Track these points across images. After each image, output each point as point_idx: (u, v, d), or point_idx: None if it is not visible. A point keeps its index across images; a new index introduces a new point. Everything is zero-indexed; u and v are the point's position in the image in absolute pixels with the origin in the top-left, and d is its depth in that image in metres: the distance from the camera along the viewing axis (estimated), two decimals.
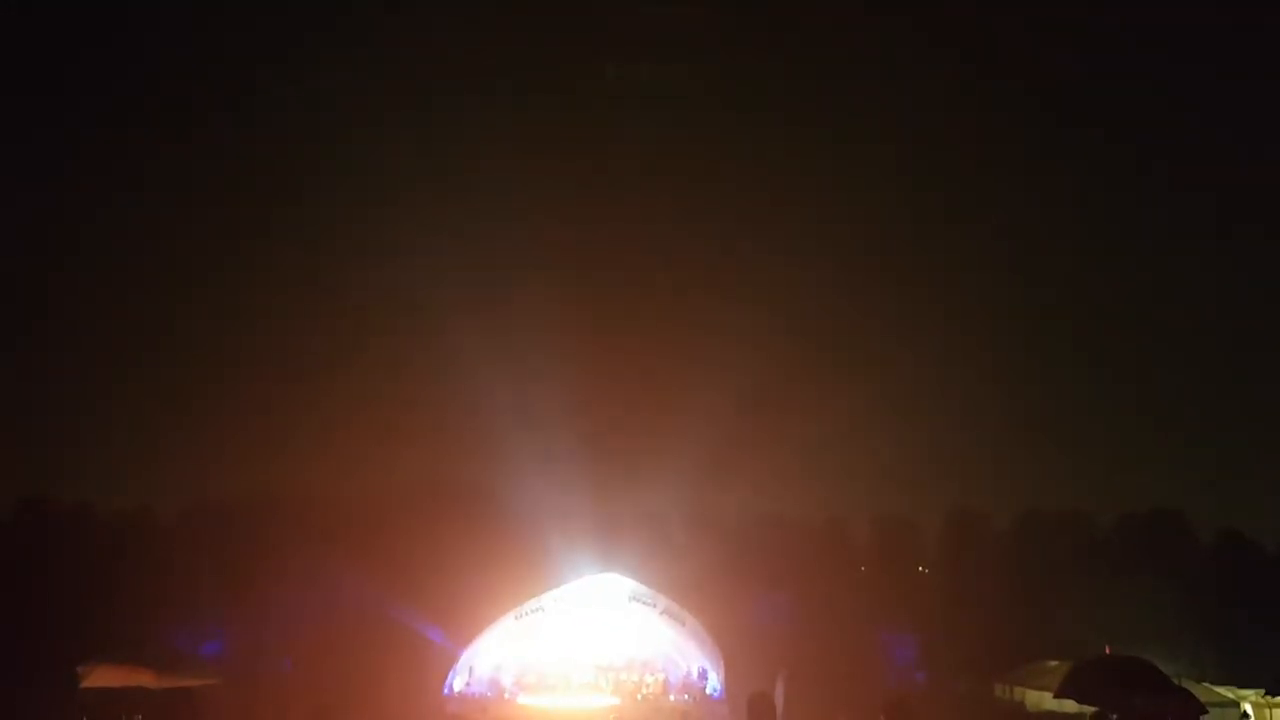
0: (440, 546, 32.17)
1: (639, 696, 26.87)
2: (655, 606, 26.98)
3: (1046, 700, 26.95)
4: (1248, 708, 27.88)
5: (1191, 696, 23.59)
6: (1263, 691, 27.93)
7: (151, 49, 70.33)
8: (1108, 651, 28.04)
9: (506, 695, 26.68)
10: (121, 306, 67.31)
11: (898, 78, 71.44)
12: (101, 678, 22.16)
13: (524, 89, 71.64)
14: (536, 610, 26.76)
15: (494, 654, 27.30)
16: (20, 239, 66.45)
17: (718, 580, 30.51)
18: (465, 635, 27.02)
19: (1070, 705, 25.58)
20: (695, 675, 27.32)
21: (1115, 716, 21.84)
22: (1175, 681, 24.36)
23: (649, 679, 27.42)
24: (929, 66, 73.70)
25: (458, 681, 26.44)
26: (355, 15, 71.41)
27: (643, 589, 27.18)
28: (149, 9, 68.31)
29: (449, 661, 26.74)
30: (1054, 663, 27.72)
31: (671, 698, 26.80)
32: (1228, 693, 27.69)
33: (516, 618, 26.69)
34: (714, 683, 26.78)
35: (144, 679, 22.07)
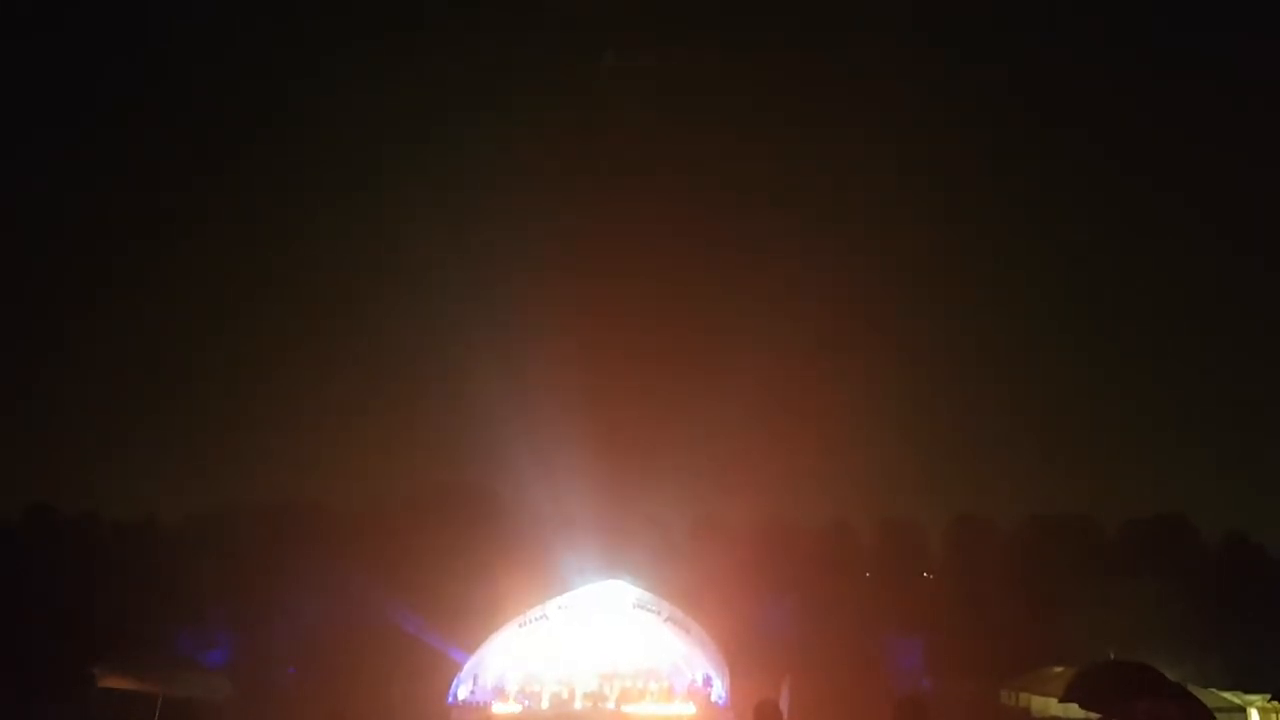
0: (445, 553, 32.22)
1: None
2: (660, 613, 26.91)
3: (1052, 706, 26.91)
4: (1254, 713, 27.78)
5: (1197, 702, 23.50)
6: (1269, 696, 27.83)
7: (163, 55, 70.48)
8: (1112, 657, 27.96)
9: (512, 703, 26.61)
10: (126, 316, 67.48)
11: (901, 77, 71.46)
12: (108, 681, 22.22)
13: (525, 91, 71.75)
14: (541, 618, 26.70)
15: (498, 662, 27.26)
16: (25, 247, 66.64)
17: (723, 586, 30.50)
18: (470, 643, 26.99)
19: (1075, 711, 25.52)
20: (700, 682, 27.25)
21: None
22: (1181, 687, 24.29)
23: (654, 686, 27.36)
24: (931, 65, 73.76)
25: (462, 690, 26.39)
26: (357, 17, 71.51)
27: (647, 596, 27.12)
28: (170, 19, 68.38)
29: (453, 669, 26.70)
30: (1059, 668, 27.67)
31: (677, 705, 26.73)
32: (1234, 698, 27.60)
33: (521, 625, 26.64)
34: (719, 690, 26.70)
35: (149, 684, 22.11)
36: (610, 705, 26.71)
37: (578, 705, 26.74)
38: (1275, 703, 27.71)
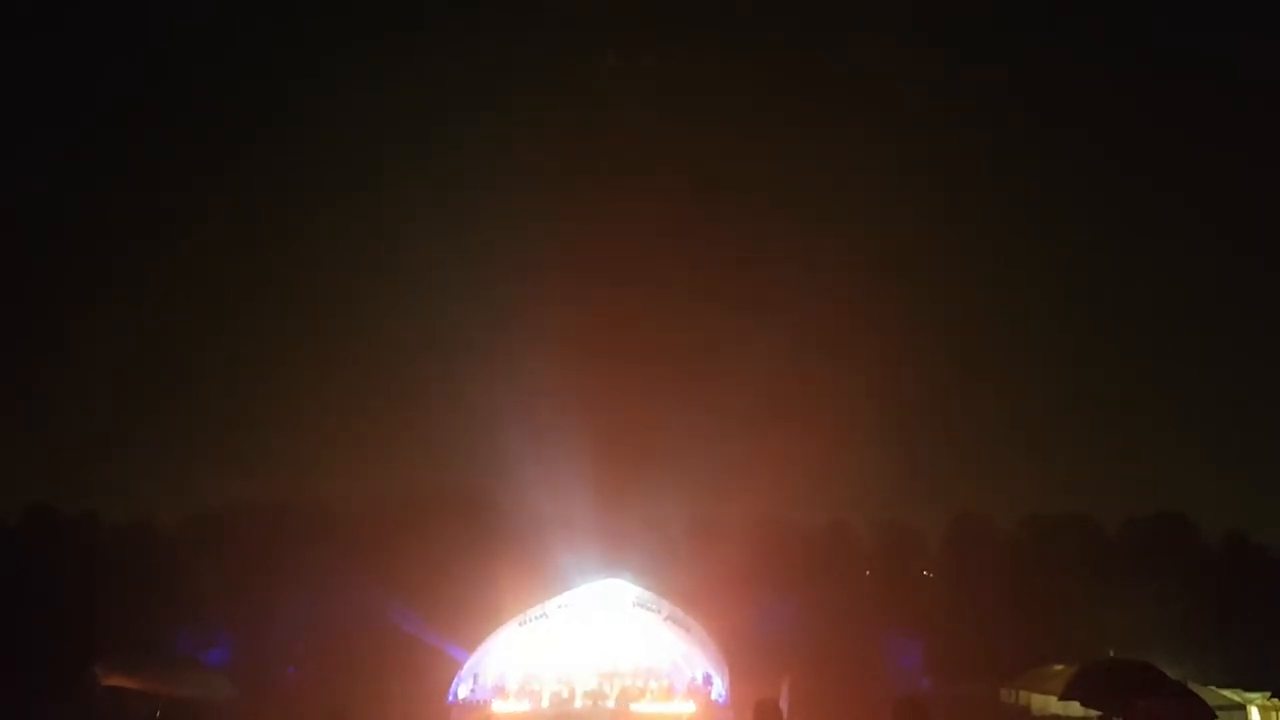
0: (445, 553, 32.20)
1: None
2: (660, 612, 26.92)
3: (1052, 704, 26.93)
4: (1254, 711, 27.80)
5: (1197, 699, 23.54)
6: (1268, 694, 27.86)
7: (163, 55, 70.49)
8: (1112, 655, 27.99)
9: (512, 702, 26.64)
10: (126, 316, 67.47)
11: (901, 77, 71.47)
12: (110, 680, 22.26)
13: (525, 91, 71.78)
14: (541, 616, 26.71)
15: (499, 660, 27.28)
16: (25, 247, 66.65)
17: (722, 585, 30.48)
18: (470, 641, 27.01)
19: (1075, 709, 25.56)
20: (700, 681, 27.27)
21: None
22: (1181, 685, 24.32)
23: (653, 685, 27.38)
24: (931, 65, 73.75)
25: (462, 688, 26.41)
26: (356, 14, 71.52)
27: (647, 595, 27.12)
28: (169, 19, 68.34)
29: (453, 668, 26.73)
30: (1059, 667, 27.68)
31: (677, 704, 26.74)
32: (1234, 696, 27.62)
33: (521, 624, 26.66)
34: (719, 688, 26.72)
35: (151, 683, 22.15)
36: (610, 704, 26.74)
37: (578, 704, 26.76)
38: (1275, 700, 27.74)
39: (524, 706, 26.45)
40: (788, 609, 32.90)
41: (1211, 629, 32.10)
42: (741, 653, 27.26)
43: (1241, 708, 27.47)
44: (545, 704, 26.68)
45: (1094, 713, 24.23)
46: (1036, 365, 69.61)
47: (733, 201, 71.19)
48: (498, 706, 26.15)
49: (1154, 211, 74.25)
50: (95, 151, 71.77)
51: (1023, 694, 30.10)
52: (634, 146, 70.67)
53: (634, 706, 26.50)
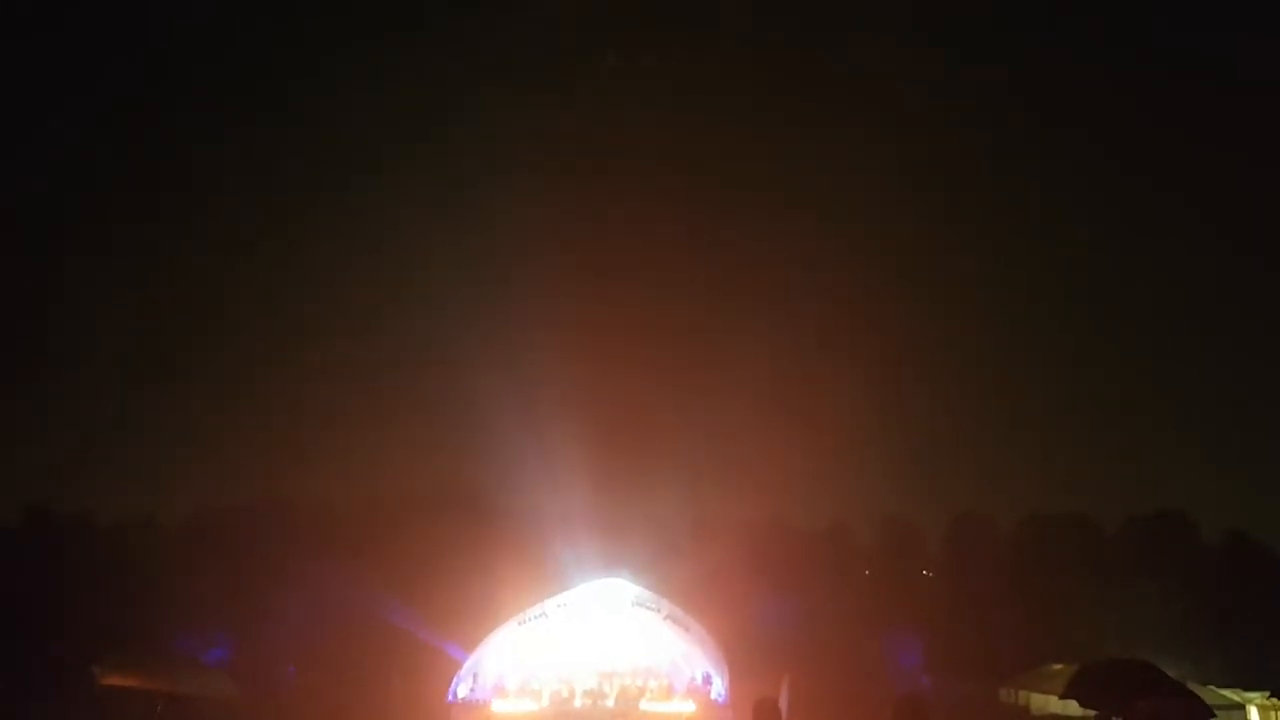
0: (444, 552, 32.21)
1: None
2: (659, 611, 26.93)
3: (1051, 703, 26.93)
4: (1253, 711, 27.81)
5: (1197, 699, 23.54)
6: (1268, 694, 27.87)
7: (163, 55, 70.52)
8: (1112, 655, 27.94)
9: (512, 701, 26.64)
10: (124, 316, 67.54)
11: (901, 77, 71.52)
12: (109, 680, 22.25)
13: (524, 83, 71.80)
14: (540, 616, 26.71)
15: (498, 660, 27.29)
16: (25, 247, 66.71)
17: (722, 585, 30.50)
18: (469, 641, 27.01)
19: (1074, 708, 25.54)
20: (700, 681, 27.28)
21: None
22: (1181, 684, 24.32)
23: (653, 685, 27.38)
24: (931, 65, 73.75)
25: (462, 688, 26.42)
26: (356, 14, 71.57)
27: (647, 594, 27.13)
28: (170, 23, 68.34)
29: (453, 667, 26.73)
30: (1058, 666, 27.68)
31: (676, 703, 26.75)
32: (1233, 695, 27.63)
33: (520, 623, 26.66)
34: (718, 688, 26.73)
35: (151, 682, 22.14)
36: (610, 703, 26.75)
37: (578, 703, 26.78)
38: (1275, 700, 27.74)
39: (524, 706, 26.46)
40: (788, 608, 32.90)
41: (1211, 629, 32.07)
42: (741, 652, 27.26)
43: (1241, 707, 27.48)
44: (545, 703, 26.69)
45: (1092, 713, 24.21)
46: (1036, 365, 69.78)
47: (733, 201, 71.44)
48: (497, 706, 26.16)
49: (1154, 211, 74.39)
50: (95, 151, 71.83)
51: (1022, 693, 30.11)
52: (634, 146, 70.72)
53: (634, 706, 26.51)
